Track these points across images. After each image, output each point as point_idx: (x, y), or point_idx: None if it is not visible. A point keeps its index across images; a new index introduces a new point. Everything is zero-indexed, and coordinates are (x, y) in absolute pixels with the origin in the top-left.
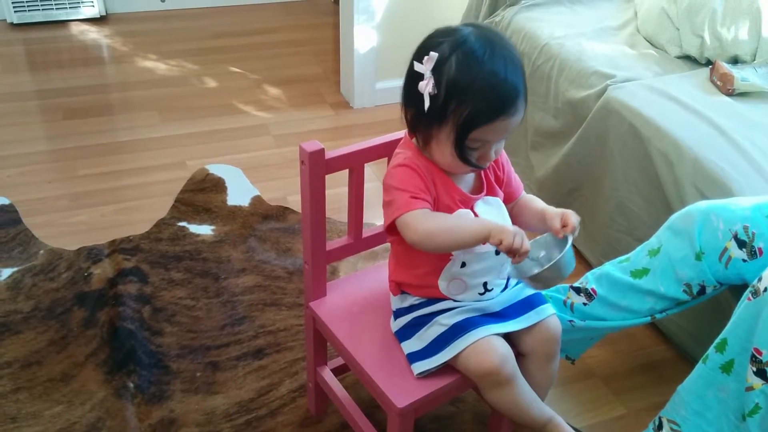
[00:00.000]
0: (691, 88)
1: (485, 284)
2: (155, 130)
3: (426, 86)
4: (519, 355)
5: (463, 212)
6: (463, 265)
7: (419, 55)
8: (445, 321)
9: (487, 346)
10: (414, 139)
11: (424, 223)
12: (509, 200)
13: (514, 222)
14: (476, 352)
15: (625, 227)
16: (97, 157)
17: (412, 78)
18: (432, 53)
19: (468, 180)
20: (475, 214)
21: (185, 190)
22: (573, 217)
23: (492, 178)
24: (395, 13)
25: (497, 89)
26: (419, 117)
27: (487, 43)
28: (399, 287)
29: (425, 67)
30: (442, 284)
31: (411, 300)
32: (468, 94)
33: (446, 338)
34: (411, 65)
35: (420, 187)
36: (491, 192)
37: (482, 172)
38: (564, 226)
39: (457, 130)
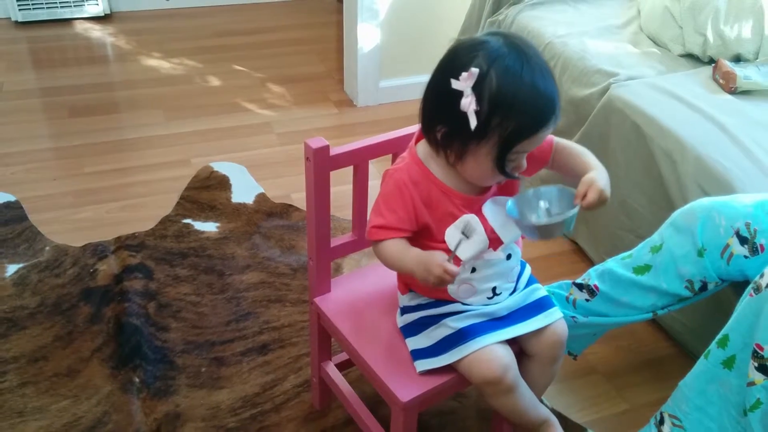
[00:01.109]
0: (693, 87)
1: (494, 289)
2: (160, 128)
3: (470, 104)
4: (523, 355)
5: (466, 218)
6: (474, 270)
7: (451, 71)
8: (453, 324)
9: (490, 356)
10: (438, 154)
11: (379, 253)
12: (546, 158)
13: (557, 170)
14: (479, 361)
15: (628, 225)
16: (102, 155)
17: (445, 95)
18: (473, 69)
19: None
20: (483, 217)
21: (190, 188)
22: (592, 195)
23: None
24: (399, 11)
25: (539, 102)
26: (454, 134)
27: (521, 55)
28: (407, 286)
29: (465, 84)
30: (452, 288)
31: (419, 299)
32: (512, 109)
33: (452, 341)
34: (438, 82)
35: (396, 212)
36: (503, 190)
37: None
38: (584, 196)
39: (501, 146)
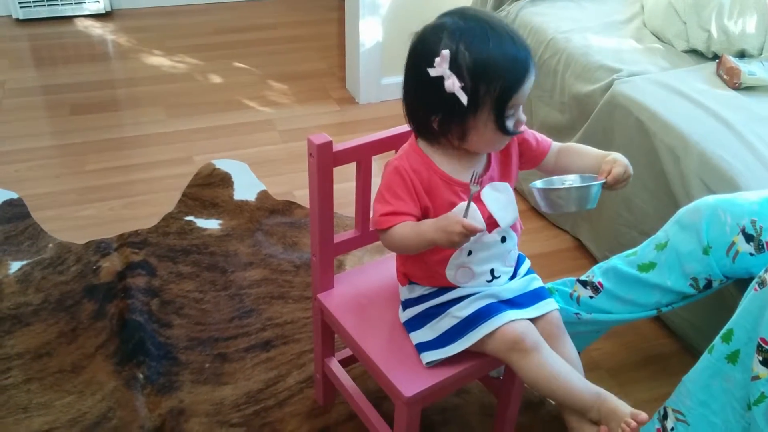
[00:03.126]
0: (697, 83)
1: (492, 271)
2: (161, 126)
3: (454, 84)
4: None
5: (465, 205)
6: (470, 253)
7: (424, 61)
8: (458, 313)
9: (506, 326)
10: (440, 142)
11: (390, 239)
12: (540, 158)
13: (562, 171)
14: (497, 333)
15: (631, 221)
16: (104, 152)
17: (427, 85)
18: (443, 52)
19: (472, 167)
20: (482, 203)
21: (192, 185)
22: (618, 168)
23: (512, 157)
24: (400, 8)
25: (514, 56)
26: (450, 118)
27: (477, 21)
28: (407, 278)
29: (442, 68)
30: (450, 273)
31: (420, 290)
32: (493, 71)
33: (459, 330)
34: (416, 76)
35: (400, 197)
36: (503, 176)
37: (490, 155)
38: (609, 172)
39: (497, 107)
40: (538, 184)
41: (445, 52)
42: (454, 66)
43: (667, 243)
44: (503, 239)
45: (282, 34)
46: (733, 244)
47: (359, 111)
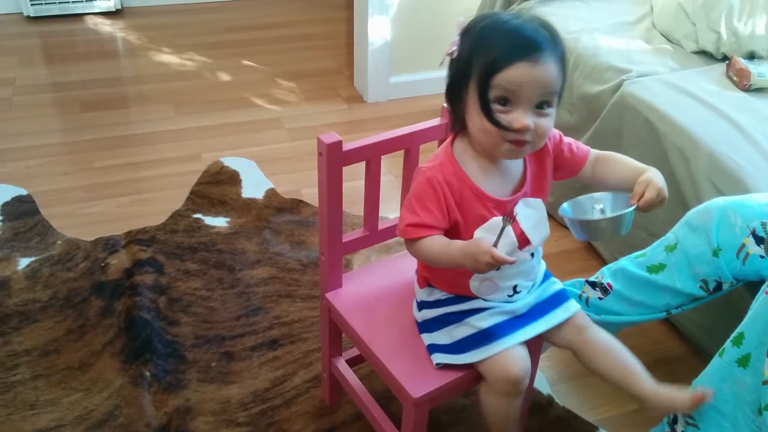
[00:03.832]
0: (707, 84)
1: (515, 287)
2: (170, 123)
3: (451, 46)
4: (572, 354)
5: (496, 221)
6: (498, 268)
7: None
8: (477, 323)
9: (512, 356)
10: (460, 128)
11: (417, 250)
12: (577, 169)
13: (597, 186)
14: (502, 361)
15: (640, 222)
16: (113, 149)
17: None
18: (458, 20)
19: (506, 181)
20: (515, 220)
21: (200, 183)
22: (651, 193)
23: (547, 173)
24: (409, 7)
25: (514, 33)
26: (454, 87)
27: (516, 15)
28: (426, 281)
29: (455, 33)
30: (474, 284)
31: (438, 294)
32: (487, 42)
33: (475, 341)
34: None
35: (429, 209)
36: (536, 191)
37: (526, 170)
38: (641, 195)
39: (480, 80)
40: (568, 210)
41: (460, 20)
42: (465, 36)
43: (676, 245)
44: (531, 255)
45: (291, 33)
46: (743, 246)
47: (367, 110)
